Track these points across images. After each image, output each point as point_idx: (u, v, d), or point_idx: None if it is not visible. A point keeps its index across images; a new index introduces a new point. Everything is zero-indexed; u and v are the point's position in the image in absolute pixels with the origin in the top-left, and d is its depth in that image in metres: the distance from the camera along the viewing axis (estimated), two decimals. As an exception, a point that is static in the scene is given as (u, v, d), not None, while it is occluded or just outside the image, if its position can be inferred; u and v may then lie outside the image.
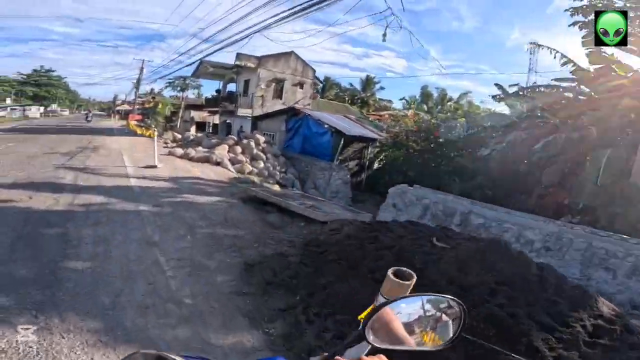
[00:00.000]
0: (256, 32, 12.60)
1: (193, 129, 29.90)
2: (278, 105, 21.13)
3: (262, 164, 11.70)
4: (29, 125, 25.79)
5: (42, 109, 55.57)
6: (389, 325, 0.72)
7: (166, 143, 16.76)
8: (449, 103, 36.53)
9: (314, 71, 23.23)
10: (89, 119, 37.97)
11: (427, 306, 0.77)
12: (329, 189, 12.84)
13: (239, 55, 19.32)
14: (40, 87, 56.37)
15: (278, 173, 11.92)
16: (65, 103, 70.11)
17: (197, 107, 30.46)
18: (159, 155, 9.81)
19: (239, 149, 12.28)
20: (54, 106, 59.96)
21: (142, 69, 44.72)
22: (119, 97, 71.18)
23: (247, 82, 21.53)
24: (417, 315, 0.75)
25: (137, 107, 48.09)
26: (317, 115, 15.70)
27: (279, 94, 21.40)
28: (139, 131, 18.31)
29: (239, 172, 10.72)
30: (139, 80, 45.43)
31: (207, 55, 19.24)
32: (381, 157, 16.79)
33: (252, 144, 12.65)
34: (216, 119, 30.31)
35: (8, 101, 47.16)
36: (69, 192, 6.25)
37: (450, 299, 0.77)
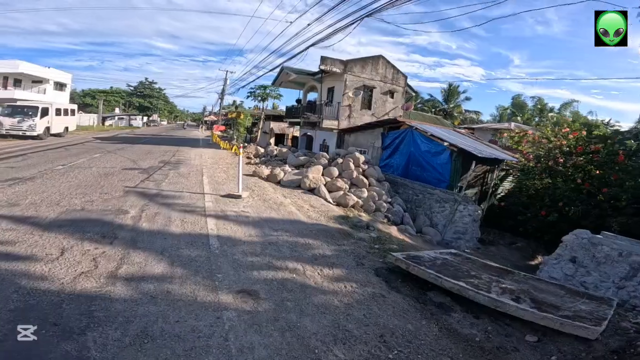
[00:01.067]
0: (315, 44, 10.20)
1: (272, 140, 28.94)
2: (367, 117, 18.35)
3: (365, 192, 8.86)
4: (129, 134, 27.61)
5: (145, 118, 62.95)
6: None
7: (249, 158, 15.19)
8: (550, 114, 30.46)
9: (406, 78, 19.98)
10: (185, 127, 43.81)
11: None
12: (451, 228, 9.42)
13: (323, 59, 17.10)
14: (144, 98, 63.67)
15: (384, 204, 8.93)
16: (164, 114, 78.45)
17: (277, 118, 29.54)
18: (243, 176, 7.64)
19: (335, 171, 9.66)
20: (155, 116, 67.42)
21: (225, 80, 46.66)
22: (207, 109, 77.33)
23: (331, 90, 19.26)
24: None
25: (222, 118, 50.61)
26: (427, 129, 12.36)
27: (367, 104, 18.64)
28: (222, 145, 17.25)
29: (340, 205, 8.03)
30: (222, 91, 47.43)
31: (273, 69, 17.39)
32: (513, 184, 12.64)
33: (351, 164, 9.93)
34: (296, 131, 28.93)
35: (117, 111, 53.56)
36: (121, 245, 4.15)
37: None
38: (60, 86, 39.17)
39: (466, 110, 36.39)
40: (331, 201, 8.26)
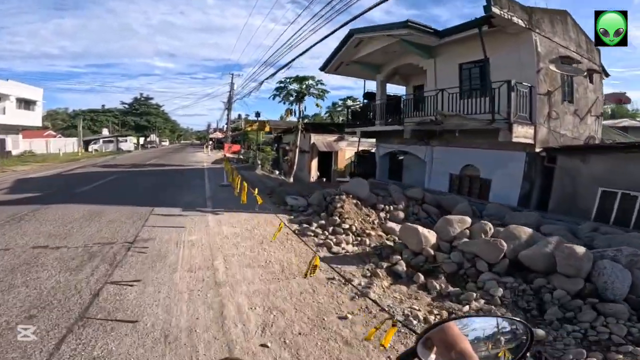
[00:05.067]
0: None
1: (314, 164, 19.04)
2: (569, 117, 8.48)
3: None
4: (94, 167, 18.03)
5: (142, 139, 54.10)
6: (454, 343, 0.67)
7: (290, 209, 5.33)
8: None
9: (599, 53, 10.24)
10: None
11: (488, 327, 0.75)
12: None
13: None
14: (140, 117, 54.83)
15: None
16: (165, 133, 69.68)
17: (319, 127, 19.79)
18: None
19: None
20: (153, 136, 58.48)
21: (232, 84, 37.44)
22: (211, 126, 68.44)
23: (484, 66, 9.32)
24: (479, 334, 0.73)
25: (231, 134, 41.22)
26: None
27: (569, 93, 8.75)
28: (244, 197, 6.67)
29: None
30: (229, 99, 38.09)
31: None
32: None
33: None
34: (350, 147, 19.08)
35: (105, 132, 44.40)
36: None
37: (518, 321, 0.76)
38: (26, 104, 30.18)
39: None
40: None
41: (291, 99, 17.37)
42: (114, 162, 22.17)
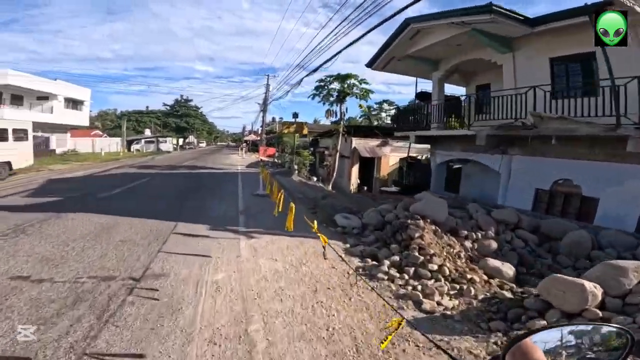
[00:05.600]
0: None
1: (354, 170, 17.37)
2: None
3: None
4: (130, 168, 17.67)
5: (181, 140, 55.42)
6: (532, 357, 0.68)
7: (342, 231, 3.73)
8: None
9: None
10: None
11: (571, 336, 0.72)
12: None
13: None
14: (180, 118, 56.27)
15: None
16: (203, 134, 71.31)
17: (361, 131, 18.06)
18: None
19: None
20: (191, 137, 59.82)
21: (267, 85, 36.78)
22: (246, 128, 69.02)
23: (589, 61, 7.16)
24: (564, 345, 0.70)
25: (265, 137, 40.68)
26: None
27: None
28: (290, 223, 5.10)
29: None
30: (265, 100, 37.45)
31: None
32: None
33: None
34: (394, 152, 17.23)
35: (147, 132, 45.75)
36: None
37: (616, 327, 0.73)
38: (74, 103, 31.29)
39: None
40: None
41: (331, 99, 15.87)
42: (151, 162, 21.95)
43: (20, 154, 12.70)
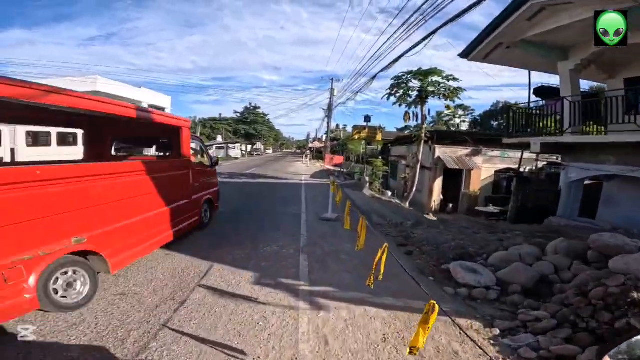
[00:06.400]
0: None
1: (437, 185, 14.71)
2: None
3: None
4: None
5: (249, 147, 57.47)
6: None
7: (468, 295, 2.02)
8: None
9: None
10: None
11: None
12: None
13: None
14: (249, 125, 58.66)
15: None
16: (270, 141, 73.58)
17: (446, 137, 15.28)
18: None
19: None
20: (259, 144, 61.84)
21: (332, 89, 35.39)
22: (310, 135, 69.28)
23: None
24: None
25: (330, 144, 39.48)
26: None
27: None
28: (380, 274, 3.26)
29: None
30: (329, 106, 36.08)
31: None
32: None
33: None
34: (488, 164, 14.14)
35: (219, 139, 48.22)
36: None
37: None
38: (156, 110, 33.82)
39: None
40: None
41: (409, 99, 13.46)
42: (225, 167, 22.00)
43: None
